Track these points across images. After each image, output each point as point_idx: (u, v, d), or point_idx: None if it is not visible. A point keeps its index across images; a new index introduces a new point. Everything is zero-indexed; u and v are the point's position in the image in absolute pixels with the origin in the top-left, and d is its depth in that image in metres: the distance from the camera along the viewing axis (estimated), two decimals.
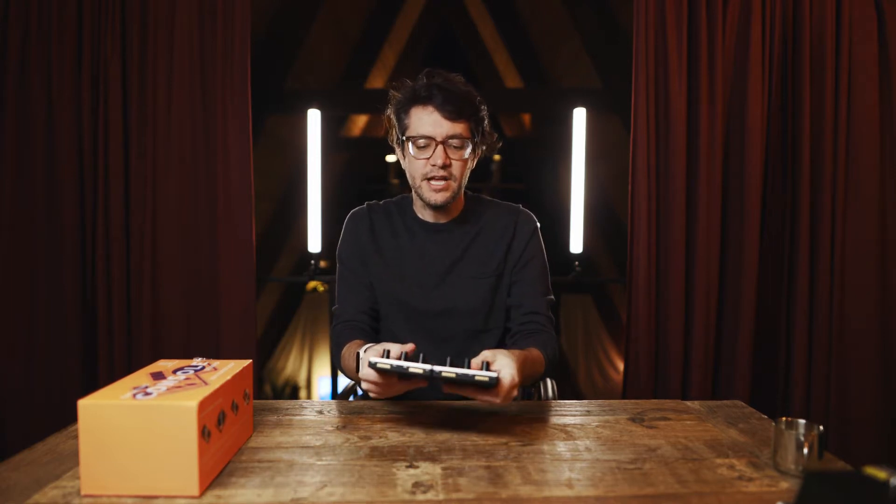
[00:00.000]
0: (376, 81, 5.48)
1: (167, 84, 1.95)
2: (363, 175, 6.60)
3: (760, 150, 1.95)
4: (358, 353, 1.03)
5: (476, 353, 1.23)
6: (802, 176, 1.95)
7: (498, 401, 0.88)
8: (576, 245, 2.41)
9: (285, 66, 3.59)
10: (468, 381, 0.83)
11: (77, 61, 1.94)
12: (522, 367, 0.94)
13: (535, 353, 1.09)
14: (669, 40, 1.93)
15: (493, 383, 0.83)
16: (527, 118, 6.31)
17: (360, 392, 1.42)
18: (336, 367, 1.20)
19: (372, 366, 0.84)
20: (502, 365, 0.88)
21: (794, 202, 1.99)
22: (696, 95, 1.96)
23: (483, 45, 5.87)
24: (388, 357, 0.86)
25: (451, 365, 0.84)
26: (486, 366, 0.86)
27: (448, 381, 0.83)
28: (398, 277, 1.24)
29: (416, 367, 0.82)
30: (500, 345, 1.27)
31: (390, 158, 5.19)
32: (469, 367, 0.85)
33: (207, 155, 1.99)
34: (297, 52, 3.71)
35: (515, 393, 0.90)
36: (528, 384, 1.10)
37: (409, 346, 0.91)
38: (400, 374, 0.84)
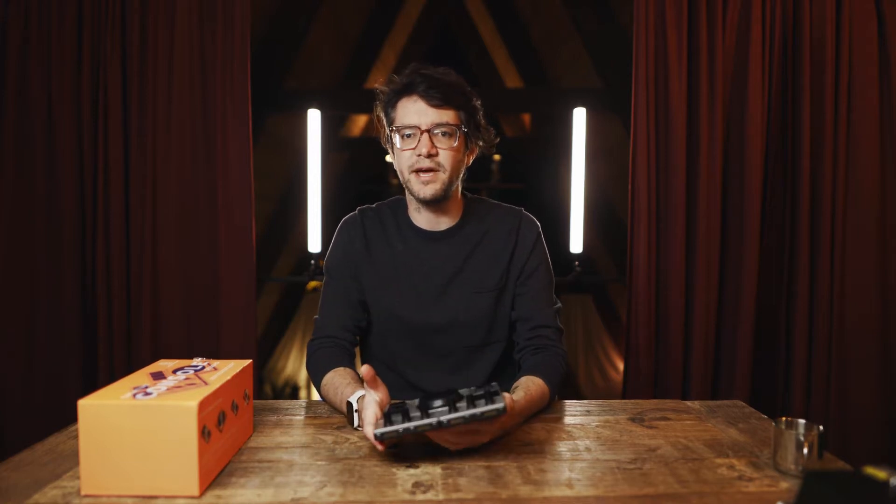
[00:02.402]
0: (376, 81, 5.45)
1: (167, 84, 1.95)
2: (363, 175, 6.60)
3: (760, 150, 1.95)
4: (350, 403, 0.95)
5: (476, 368, 1.19)
6: (802, 176, 1.95)
7: (485, 439, 0.84)
8: (576, 245, 2.41)
9: (285, 66, 3.59)
10: (477, 420, 0.77)
11: (77, 61, 1.94)
12: (516, 417, 0.92)
13: (536, 389, 1.02)
14: (669, 40, 1.93)
15: (502, 413, 0.77)
16: (527, 118, 6.32)
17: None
18: (314, 384, 1.13)
19: (378, 437, 0.77)
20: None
21: (794, 202, 1.99)
22: (696, 95, 1.96)
23: (483, 45, 5.88)
24: (387, 420, 0.80)
25: (452, 401, 0.79)
26: (491, 396, 0.79)
27: (451, 426, 0.78)
28: (394, 290, 1.17)
29: (423, 425, 0.76)
30: (503, 358, 1.22)
31: (390, 158, 5.20)
32: (471, 402, 0.80)
33: (207, 155, 1.99)
34: (297, 52, 3.72)
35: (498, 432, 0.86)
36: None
37: (383, 397, 0.85)
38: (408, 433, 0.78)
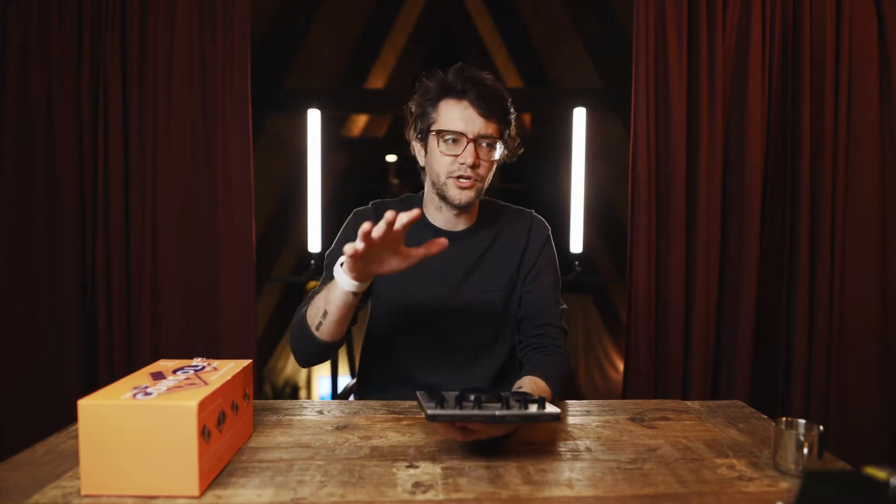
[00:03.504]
0: (376, 81, 5.48)
1: (167, 84, 1.95)
2: (363, 175, 6.60)
3: (760, 150, 1.95)
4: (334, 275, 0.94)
5: (482, 367, 1.21)
6: (802, 176, 1.95)
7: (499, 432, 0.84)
8: (576, 245, 2.41)
9: (285, 66, 3.59)
10: (529, 421, 0.79)
11: (77, 61, 1.94)
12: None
13: (545, 393, 1.02)
14: (669, 40, 1.93)
15: (557, 419, 0.78)
16: (527, 118, 6.31)
17: (359, 392, 1.41)
18: (297, 339, 1.10)
19: (431, 418, 0.75)
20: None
21: (794, 202, 1.99)
22: (696, 95, 1.96)
23: (483, 45, 5.87)
24: (440, 405, 0.78)
25: (504, 400, 0.80)
26: (543, 403, 0.80)
27: (505, 422, 0.78)
28: (407, 285, 1.18)
29: (479, 416, 0.76)
30: (508, 359, 1.23)
31: (390, 158, 5.19)
32: (522, 405, 0.80)
33: (207, 155, 1.99)
34: (297, 52, 3.72)
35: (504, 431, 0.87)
36: None
37: (415, 213, 0.81)
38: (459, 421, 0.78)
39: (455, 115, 1.08)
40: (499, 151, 1.11)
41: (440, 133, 1.09)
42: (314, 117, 2.32)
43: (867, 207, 1.96)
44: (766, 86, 1.96)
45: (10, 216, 1.94)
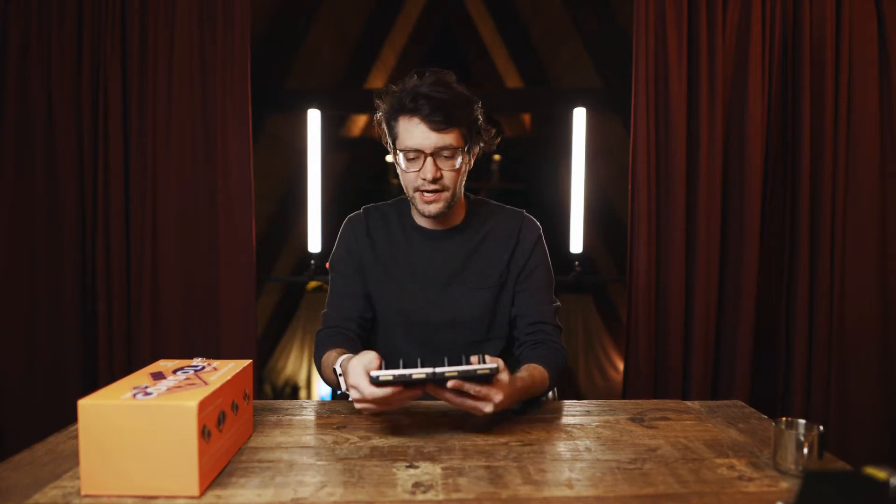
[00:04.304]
0: (376, 81, 5.47)
1: (167, 84, 1.95)
2: (363, 175, 6.59)
3: (760, 150, 1.95)
4: (335, 370, 1.00)
5: None
6: (802, 176, 1.95)
7: (489, 408, 0.87)
8: (576, 245, 2.41)
9: (285, 66, 3.59)
10: (470, 377, 0.83)
11: (77, 61, 1.94)
12: (517, 391, 0.94)
13: (538, 373, 1.04)
14: (669, 40, 1.93)
15: (495, 372, 0.84)
16: (527, 118, 6.31)
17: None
18: (319, 373, 1.19)
19: (374, 380, 0.80)
20: (501, 367, 0.88)
21: (794, 202, 1.99)
22: (696, 95, 1.96)
23: (483, 45, 5.87)
24: (383, 367, 0.84)
25: (450, 364, 0.84)
26: (483, 359, 0.86)
27: (450, 379, 0.83)
28: (397, 286, 1.20)
29: (419, 373, 0.81)
30: (503, 355, 1.24)
31: (390, 158, 5.20)
32: (468, 363, 0.85)
33: (207, 155, 1.99)
34: (297, 52, 3.71)
35: (500, 402, 0.89)
36: (528, 399, 1.04)
37: (375, 360, 0.87)
38: (404, 383, 0.82)
39: (410, 132, 1.09)
40: (460, 159, 1.12)
41: (400, 150, 1.11)
42: (314, 117, 2.32)
43: (867, 207, 1.96)
44: (766, 86, 1.96)
45: (10, 216, 1.94)
